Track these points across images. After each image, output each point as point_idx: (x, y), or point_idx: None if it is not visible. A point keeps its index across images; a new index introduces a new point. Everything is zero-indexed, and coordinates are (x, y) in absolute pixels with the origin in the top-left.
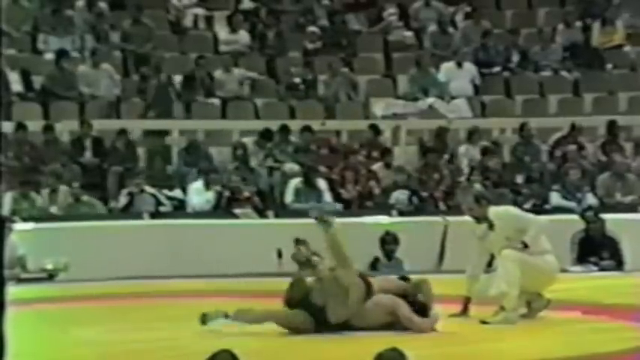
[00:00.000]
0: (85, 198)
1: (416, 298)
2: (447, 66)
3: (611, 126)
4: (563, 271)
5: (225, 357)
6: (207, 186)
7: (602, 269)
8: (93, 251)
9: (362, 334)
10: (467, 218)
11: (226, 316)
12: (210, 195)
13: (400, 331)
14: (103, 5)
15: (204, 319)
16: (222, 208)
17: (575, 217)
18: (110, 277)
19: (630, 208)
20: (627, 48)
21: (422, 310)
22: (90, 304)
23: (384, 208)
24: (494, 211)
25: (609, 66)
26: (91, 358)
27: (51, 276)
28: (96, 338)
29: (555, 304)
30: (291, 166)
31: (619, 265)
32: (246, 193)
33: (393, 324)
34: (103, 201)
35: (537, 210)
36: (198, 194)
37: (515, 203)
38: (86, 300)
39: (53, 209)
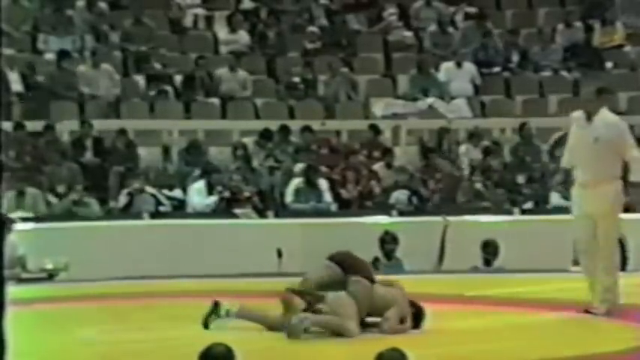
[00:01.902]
0: (82, 198)
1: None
2: (447, 66)
3: None
4: (563, 271)
5: (220, 350)
6: (209, 187)
7: None
8: (93, 251)
9: (361, 336)
10: (467, 218)
11: (228, 313)
12: (212, 198)
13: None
14: (103, 5)
15: (206, 322)
16: (223, 208)
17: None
18: (110, 277)
19: (631, 207)
20: (627, 48)
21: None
22: (90, 304)
23: (384, 208)
24: None
25: (609, 66)
26: (90, 359)
27: (51, 276)
28: (96, 338)
29: (555, 303)
30: (292, 166)
31: (622, 265)
32: (247, 193)
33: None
34: (103, 201)
35: (538, 210)
36: (199, 195)
37: (516, 203)
38: (86, 300)
39: (53, 209)
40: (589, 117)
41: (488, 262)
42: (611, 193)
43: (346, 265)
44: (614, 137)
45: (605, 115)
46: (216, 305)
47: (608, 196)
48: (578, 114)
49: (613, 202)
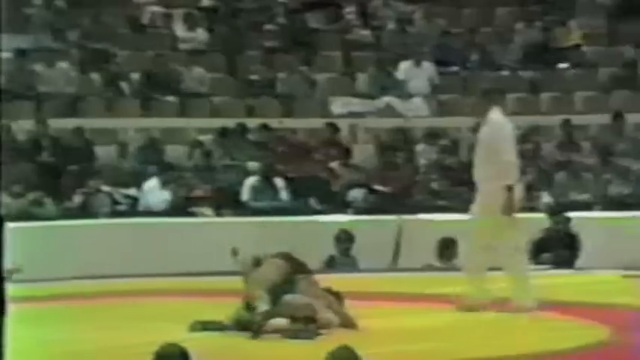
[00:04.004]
0: (38, 198)
1: None
2: (406, 65)
3: (566, 125)
4: None
5: (174, 350)
6: (164, 184)
7: (556, 267)
8: (49, 251)
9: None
10: (422, 217)
11: (222, 327)
12: (167, 194)
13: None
14: (60, 3)
15: (195, 326)
16: (180, 206)
17: (534, 215)
18: (67, 277)
19: (586, 206)
20: (584, 48)
21: None
22: (47, 304)
23: (341, 207)
24: None
25: (566, 65)
26: (51, 358)
27: (4, 278)
28: (54, 338)
29: (509, 301)
30: (249, 164)
31: (571, 262)
32: (203, 192)
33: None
34: (59, 200)
35: None
36: (153, 193)
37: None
38: (43, 300)
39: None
40: (483, 119)
41: (446, 261)
42: (490, 195)
43: (293, 263)
44: (492, 139)
45: (492, 116)
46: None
47: (490, 197)
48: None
49: (494, 203)
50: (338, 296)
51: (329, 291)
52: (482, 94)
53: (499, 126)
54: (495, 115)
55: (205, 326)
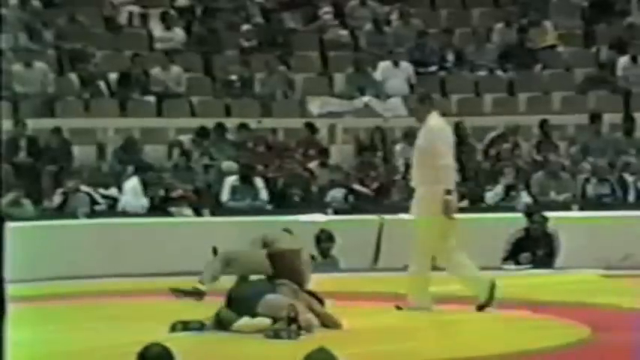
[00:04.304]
0: (16, 198)
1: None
2: (384, 65)
3: (543, 125)
4: (497, 269)
5: (157, 349)
6: (144, 185)
7: (535, 267)
8: (27, 252)
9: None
10: (402, 216)
11: (202, 326)
12: (143, 200)
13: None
14: (36, 3)
15: (176, 327)
16: (158, 206)
17: (513, 215)
18: (46, 277)
19: (564, 206)
20: (560, 48)
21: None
22: (25, 305)
23: (320, 207)
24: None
25: (543, 66)
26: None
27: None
28: (32, 339)
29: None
30: (229, 164)
31: (551, 262)
32: (182, 192)
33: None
34: (37, 201)
35: (473, 209)
36: (133, 194)
37: None
38: (21, 301)
39: None
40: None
41: None
42: (428, 198)
43: (277, 266)
44: (428, 144)
45: (429, 121)
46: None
47: (424, 200)
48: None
49: (428, 206)
50: (319, 299)
51: (310, 293)
52: (419, 99)
53: (437, 130)
54: (434, 119)
55: (186, 326)
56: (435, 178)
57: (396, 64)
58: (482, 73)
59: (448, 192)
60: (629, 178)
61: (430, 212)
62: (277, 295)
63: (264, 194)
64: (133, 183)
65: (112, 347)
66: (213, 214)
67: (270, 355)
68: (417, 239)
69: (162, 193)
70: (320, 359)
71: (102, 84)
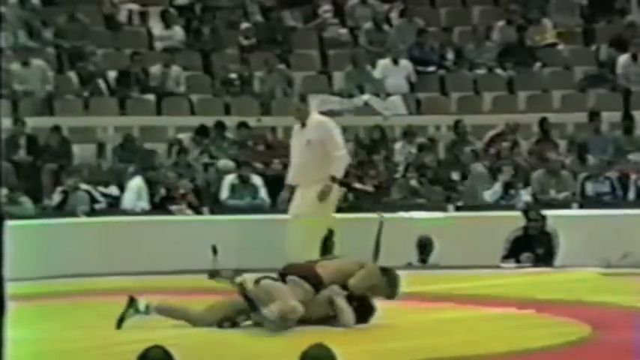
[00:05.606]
0: (15, 196)
1: (364, 297)
2: (383, 63)
3: (543, 123)
4: (495, 267)
5: (157, 352)
6: (147, 184)
7: (534, 265)
8: (27, 250)
9: (294, 330)
10: (402, 215)
11: (147, 309)
12: (143, 203)
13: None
14: (35, 1)
15: (122, 318)
16: (158, 205)
17: (511, 213)
18: (45, 275)
19: (564, 204)
20: (560, 46)
21: (364, 308)
22: (25, 303)
23: None
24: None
25: (542, 64)
26: (25, 358)
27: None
28: (30, 337)
29: (488, 299)
30: (225, 162)
31: (551, 260)
32: (182, 190)
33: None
34: (37, 199)
35: (471, 207)
36: (136, 194)
37: (450, 200)
38: (21, 299)
39: None
40: (303, 123)
41: (423, 259)
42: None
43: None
44: (323, 137)
45: (314, 117)
46: (132, 301)
47: (314, 196)
48: (297, 124)
49: (315, 201)
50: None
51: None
52: (301, 98)
53: (325, 125)
54: (315, 116)
55: (129, 313)
56: (328, 170)
57: (395, 62)
58: (482, 71)
59: (333, 179)
60: (631, 177)
61: (318, 208)
62: (275, 282)
63: (263, 192)
64: (137, 182)
65: (111, 345)
66: (212, 212)
67: (267, 351)
68: (305, 234)
69: (163, 193)
70: (318, 355)
71: (101, 82)
